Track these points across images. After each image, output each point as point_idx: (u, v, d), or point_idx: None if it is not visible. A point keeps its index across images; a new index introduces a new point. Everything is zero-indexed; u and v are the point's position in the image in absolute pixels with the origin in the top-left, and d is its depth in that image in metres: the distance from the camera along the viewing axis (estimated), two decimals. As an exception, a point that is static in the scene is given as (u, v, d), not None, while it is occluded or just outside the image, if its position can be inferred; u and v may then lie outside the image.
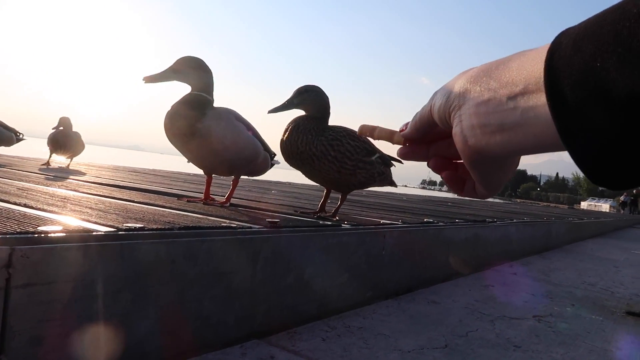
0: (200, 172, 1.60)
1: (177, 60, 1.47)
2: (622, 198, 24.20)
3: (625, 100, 0.23)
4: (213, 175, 1.62)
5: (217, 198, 1.68)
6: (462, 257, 2.06)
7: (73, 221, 0.90)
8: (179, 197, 1.71)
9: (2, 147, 3.22)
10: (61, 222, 0.86)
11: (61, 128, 3.12)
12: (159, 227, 0.92)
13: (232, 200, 1.69)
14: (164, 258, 0.85)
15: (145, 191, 1.87)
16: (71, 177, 2.29)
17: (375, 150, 1.53)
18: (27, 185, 1.60)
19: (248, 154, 1.54)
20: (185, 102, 1.45)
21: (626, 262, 3.34)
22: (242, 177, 1.68)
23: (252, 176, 1.73)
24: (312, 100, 1.47)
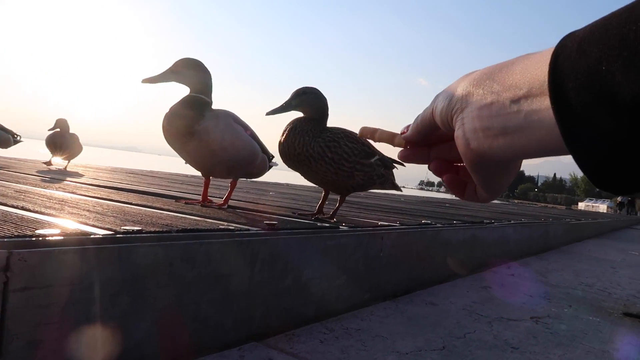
0: (198, 173, 1.60)
1: (176, 62, 1.47)
2: (619, 199, 24.26)
3: (631, 104, 0.23)
4: (211, 177, 1.62)
5: (215, 200, 1.68)
6: (459, 259, 2.06)
7: (71, 224, 0.90)
8: (177, 199, 1.71)
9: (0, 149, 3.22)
10: (59, 225, 0.86)
11: (58, 130, 3.12)
12: (157, 229, 0.92)
13: (230, 202, 1.69)
14: (161, 261, 0.84)
15: (143, 193, 1.87)
16: (69, 179, 2.29)
17: (375, 152, 1.52)
18: (24, 187, 1.60)
19: (246, 156, 1.54)
20: (184, 103, 1.45)
21: (623, 262, 3.35)
22: (240, 178, 1.68)
23: (250, 178, 1.73)
24: (310, 102, 1.47)
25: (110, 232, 0.84)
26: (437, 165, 0.42)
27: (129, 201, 1.47)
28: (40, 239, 0.72)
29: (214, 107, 1.52)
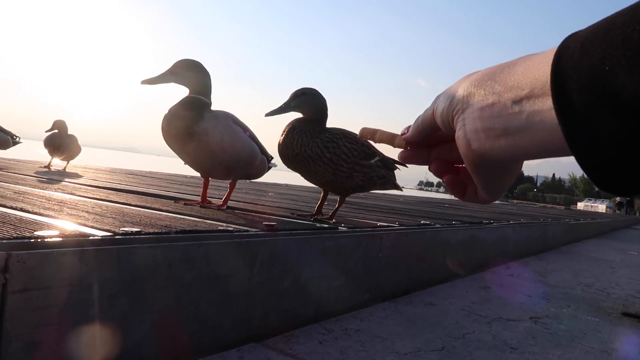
0: (198, 174, 1.60)
1: (175, 63, 1.47)
2: (618, 199, 24.29)
3: (634, 104, 0.23)
4: (210, 178, 1.62)
5: (214, 201, 1.68)
6: (459, 259, 2.06)
7: (69, 225, 0.90)
8: (176, 200, 1.71)
9: None
10: (58, 226, 0.86)
11: (55, 131, 3.12)
12: (156, 231, 0.92)
13: (229, 203, 1.69)
14: (160, 262, 0.84)
15: (142, 194, 1.87)
16: (68, 180, 2.28)
17: (375, 153, 1.51)
18: (23, 188, 1.59)
19: (245, 157, 1.54)
20: (183, 104, 1.45)
21: (622, 262, 3.35)
22: (239, 179, 1.68)
23: (249, 179, 1.73)
24: (309, 102, 1.47)
25: (109, 234, 0.84)
26: (438, 166, 0.42)
27: (128, 202, 1.47)
28: (39, 240, 0.72)
29: (213, 108, 1.52)
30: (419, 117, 0.40)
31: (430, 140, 0.41)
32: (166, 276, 0.85)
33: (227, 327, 0.99)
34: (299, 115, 1.49)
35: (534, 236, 3.31)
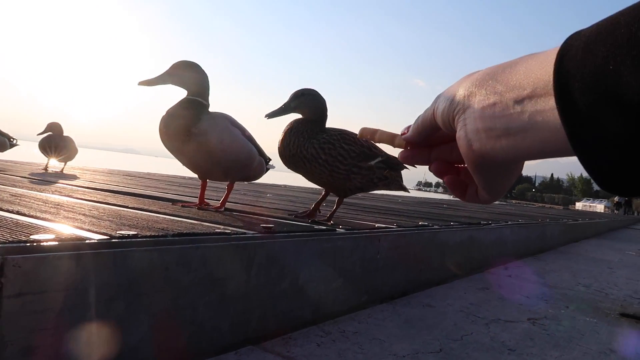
0: (195, 176, 1.60)
1: (173, 65, 1.47)
2: (616, 199, 24.33)
3: (638, 104, 0.22)
4: (208, 179, 1.62)
5: (211, 203, 1.67)
6: (457, 260, 2.06)
7: (66, 229, 0.90)
8: (174, 202, 1.70)
9: None
10: (54, 230, 0.86)
11: (50, 133, 3.12)
12: (153, 234, 0.92)
13: (227, 205, 1.68)
14: (157, 265, 0.84)
15: (139, 196, 1.87)
16: (65, 182, 2.28)
17: (377, 154, 1.49)
18: (20, 191, 1.59)
19: (243, 159, 1.54)
20: (181, 106, 1.45)
21: (620, 263, 3.35)
22: (237, 181, 1.67)
23: (247, 181, 1.72)
24: (308, 103, 1.46)
25: (105, 237, 0.84)
26: (438, 166, 0.42)
27: (125, 204, 1.47)
28: (35, 244, 0.72)
29: (211, 109, 1.51)
30: (419, 117, 0.40)
31: (430, 140, 0.41)
32: (163, 279, 0.85)
33: (225, 330, 0.98)
34: (299, 116, 1.49)
35: (532, 237, 3.31)
